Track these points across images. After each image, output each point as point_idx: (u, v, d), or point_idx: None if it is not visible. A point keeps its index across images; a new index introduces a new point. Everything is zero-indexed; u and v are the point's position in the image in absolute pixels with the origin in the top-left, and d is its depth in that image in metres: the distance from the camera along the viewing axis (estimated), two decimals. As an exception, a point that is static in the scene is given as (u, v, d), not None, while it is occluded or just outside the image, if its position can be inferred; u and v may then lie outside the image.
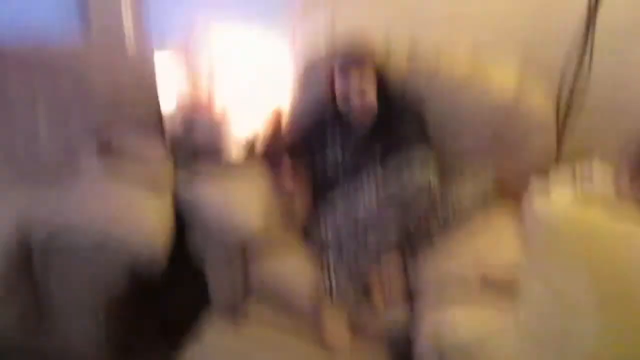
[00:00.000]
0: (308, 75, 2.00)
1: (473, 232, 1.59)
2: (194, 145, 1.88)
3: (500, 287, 1.32)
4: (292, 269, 1.68)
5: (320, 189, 1.81)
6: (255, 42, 2.17)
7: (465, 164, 1.80)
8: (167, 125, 1.83)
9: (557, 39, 1.87)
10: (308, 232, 1.79)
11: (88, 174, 1.75)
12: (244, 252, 1.67)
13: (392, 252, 1.57)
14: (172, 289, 1.81)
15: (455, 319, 1.21)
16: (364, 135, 1.80)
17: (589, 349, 0.99)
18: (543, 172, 1.73)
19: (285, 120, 2.09)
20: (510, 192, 1.73)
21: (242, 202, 1.66)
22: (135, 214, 1.60)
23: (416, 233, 1.57)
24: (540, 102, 1.78)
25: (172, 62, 1.92)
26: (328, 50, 1.97)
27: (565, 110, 1.91)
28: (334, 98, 1.78)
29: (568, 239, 1.10)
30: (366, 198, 1.64)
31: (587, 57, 1.83)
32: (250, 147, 1.92)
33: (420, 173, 1.53)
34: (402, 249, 1.58)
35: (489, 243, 1.50)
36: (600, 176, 1.49)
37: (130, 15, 2.23)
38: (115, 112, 1.95)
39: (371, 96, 1.73)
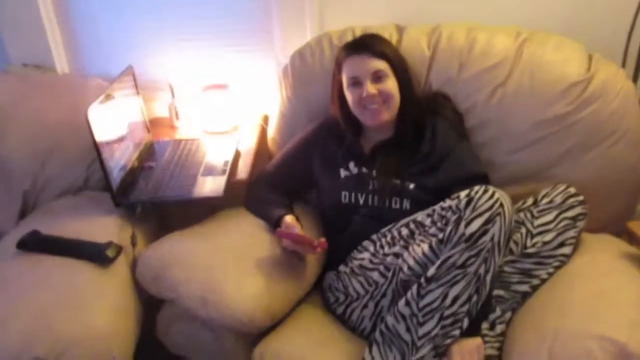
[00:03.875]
0: (298, 70, 1.47)
1: (572, 279, 1.09)
2: (156, 195, 1.35)
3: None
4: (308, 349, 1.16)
5: (335, 227, 1.31)
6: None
7: (535, 180, 1.32)
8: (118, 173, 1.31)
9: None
10: (328, 291, 1.29)
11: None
12: (240, 339, 1.17)
13: (462, 317, 1.04)
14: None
15: None
16: (386, 145, 1.31)
17: None
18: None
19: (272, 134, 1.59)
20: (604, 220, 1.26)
21: (231, 278, 1.14)
22: (67, 320, 1.06)
23: (490, 283, 1.04)
24: (618, 78, 1.30)
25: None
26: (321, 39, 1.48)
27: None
28: (340, 96, 1.31)
29: None
30: (406, 236, 1.14)
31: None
32: (232, 175, 1.40)
33: (482, 193, 1.01)
34: (474, 310, 1.05)
35: (604, 295, 0.99)
36: None
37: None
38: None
39: (391, 87, 1.25)
